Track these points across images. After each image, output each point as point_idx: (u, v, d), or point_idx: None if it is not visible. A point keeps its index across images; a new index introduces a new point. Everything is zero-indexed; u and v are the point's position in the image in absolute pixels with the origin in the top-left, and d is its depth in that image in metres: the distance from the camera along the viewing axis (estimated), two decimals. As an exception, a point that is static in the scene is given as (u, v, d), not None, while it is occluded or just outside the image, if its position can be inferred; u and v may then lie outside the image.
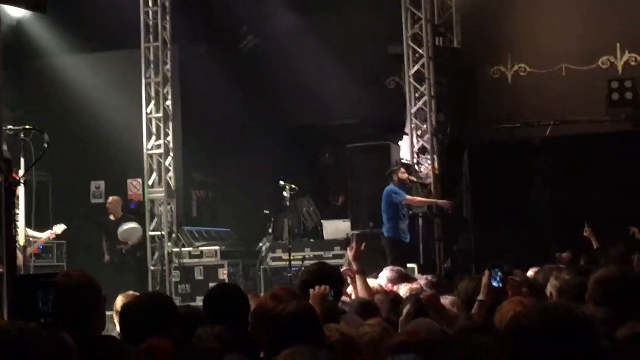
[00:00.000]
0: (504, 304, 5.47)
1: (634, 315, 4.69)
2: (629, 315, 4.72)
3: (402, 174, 14.65)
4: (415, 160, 15.59)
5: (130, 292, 7.17)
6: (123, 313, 5.34)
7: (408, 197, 14.50)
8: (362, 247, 7.98)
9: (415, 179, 15.11)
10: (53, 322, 4.38)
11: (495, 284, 5.75)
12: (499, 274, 5.78)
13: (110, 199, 16.94)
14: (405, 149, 15.88)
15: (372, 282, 8.37)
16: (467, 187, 17.53)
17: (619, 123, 17.22)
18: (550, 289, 6.79)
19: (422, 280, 8.80)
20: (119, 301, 6.88)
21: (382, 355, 4.47)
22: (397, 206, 14.37)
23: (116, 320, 6.73)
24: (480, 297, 5.76)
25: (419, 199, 14.82)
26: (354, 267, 7.62)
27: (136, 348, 4.56)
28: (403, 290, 7.90)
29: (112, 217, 16.72)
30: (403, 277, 9.01)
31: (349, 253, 7.27)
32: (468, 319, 4.92)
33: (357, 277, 7.60)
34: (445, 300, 7.33)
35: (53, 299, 4.50)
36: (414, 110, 15.70)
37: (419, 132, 15.69)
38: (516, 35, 18.08)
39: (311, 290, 5.98)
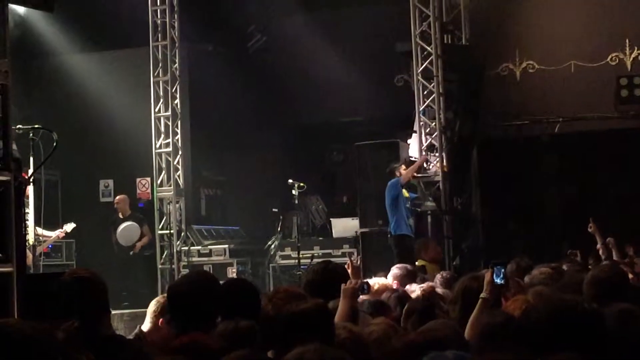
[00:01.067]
0: (510, 302, 5.48)
1: None
2: None
3: (404, 171, 14.66)
4: (423, 158, 15.57)
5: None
6: (171, 292, 5.38)
7: (402, 177, 14.47)
8: (358, 262, 7.85)
9: (417, 175, 15.10)
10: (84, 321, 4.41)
11: (498, 281, 5.75)
12: (502, 271, 5.79)
13: (118, 197, 17.01)
14: (413, 147, 15.87)
15: (382, 281, 8.36)
16: (475, 184, 17.51)
17: (628, 120, 17.19)
18: None
19: (438, 276, 8.82)
20: (153, 305, 6.71)
21: (391, 354, 4.45)
22: (398, 199, 14.35)
23: (149, 319, 6.59)
24: (483, 294, 5.75)
25: (409, 169, 14.73)
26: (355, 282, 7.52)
27: (176, 340, 4.56)
28: (415, 288, 7.89)
29: (120, 216, 16.79)
30: (410, 275, 9.02)
31: (349, 270, 7.20)
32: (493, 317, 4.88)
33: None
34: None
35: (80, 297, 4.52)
36: (422, 107, 15.68)
37: (428, 130, 15.67)
38: (524, 32, 18.05)
39: (342, 285, 5.93)
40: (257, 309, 5.48)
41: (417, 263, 12.46)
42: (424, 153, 15.45)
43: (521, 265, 8.50)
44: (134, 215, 16.86)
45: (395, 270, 9.07)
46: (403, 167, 14.79)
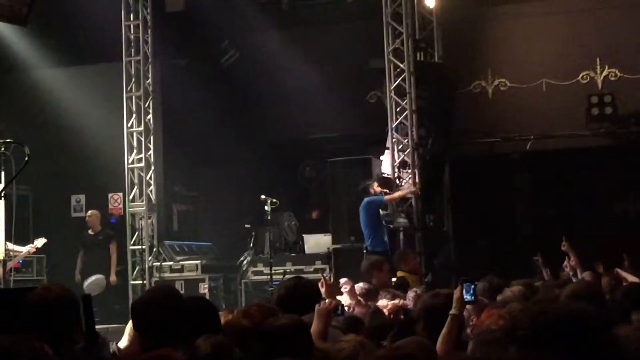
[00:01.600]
0: (484, 317, 5.50)
1: None
2: None
3: (377, 188, 14.66)
4: (396, 175, 15.60)
5: None
6: (135, 308, 5.33)
7: (386, 196, 14.54)
8: (331, 279, 7.66)
9: (389, 192, 15.10)
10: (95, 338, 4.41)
11: (467, 297, 5.77)
12: (472, 287, 5.81)
13: (90, 212, 16.92)
14: (386, 163, 15.90)
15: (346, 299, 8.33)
16: (447, 201, 17.57)
17: (598, 138, 17.32)
18: None
19: (410, 294, 8.81)
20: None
21: None
22: (378, 215, 14.37)
23: (127, 336, 6.55)
24: (453, 311, 5.76)
25: (396, 194, 14.82)
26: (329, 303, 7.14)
27: (145, 355, 4.54)
28: (384, 304, 7.89)
29: (90, 232, 16.69)
30: (374, 292, 9.03)
31: (322, 289, 7.04)
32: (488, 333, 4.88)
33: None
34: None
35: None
36: (395, 124, 15.72)
37: (400, 147, 15.71)
38: (497, 50, 18.17)
39: (317, 306, 5.90)
40: (217, 327, 5.48)
41: (397, 274, 12.48)
42: (407, 183, 15.39)
43: (493, 284, 8.54)
44: (104, 232, 16.78)
45: (359, 287, 9.08)
46: (376, 184, 14.81)
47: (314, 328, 5.68)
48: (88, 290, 16.03)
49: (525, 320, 3.27)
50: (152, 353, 4.50)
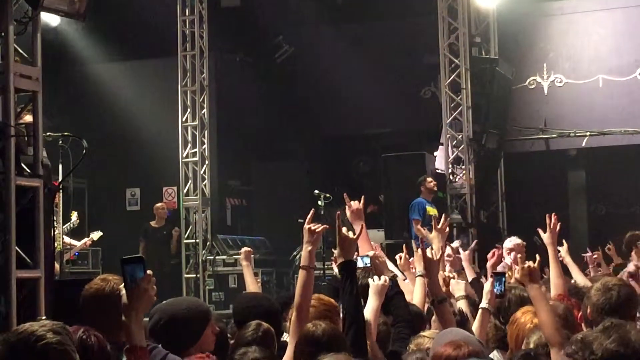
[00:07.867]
0: (518, 314, 5.51)
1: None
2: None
3: (429, 184, 14.52)
4: (450, 171, 15.56)
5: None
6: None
7: (415, 220, 13.87)
8: (362, 203, 7.23)
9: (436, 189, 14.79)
10: None
11: (497, 290, 5.86)
12: (502, 281, 5.91)
13: (162, 205, 16.94)
14: (440, 159, 15.86)
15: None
16: (502, 197, 17.47)
17: (655, 134, 17.12)
18: None
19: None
20: None
21: None
22: (421, 216, 14.19)
23: None
24: (483, 304, 5.79)
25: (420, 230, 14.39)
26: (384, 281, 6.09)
27: None
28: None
29: (154, 224, 16.74)
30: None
31: (347, 212, 6.84)
32: None
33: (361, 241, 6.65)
34: None
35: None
36: (449, 120, 15.68)
37: (455, 142, 15.67)
38: (553, 45, 18.01)
39: (370, 281, 5.89)
40: (276, 322, 5.56)
41: None
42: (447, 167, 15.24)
43: None
44: (167, 226, 16.86)
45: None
46: (429, 179, 14.70)
47: (371, 305, 5.70)
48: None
49: None
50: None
